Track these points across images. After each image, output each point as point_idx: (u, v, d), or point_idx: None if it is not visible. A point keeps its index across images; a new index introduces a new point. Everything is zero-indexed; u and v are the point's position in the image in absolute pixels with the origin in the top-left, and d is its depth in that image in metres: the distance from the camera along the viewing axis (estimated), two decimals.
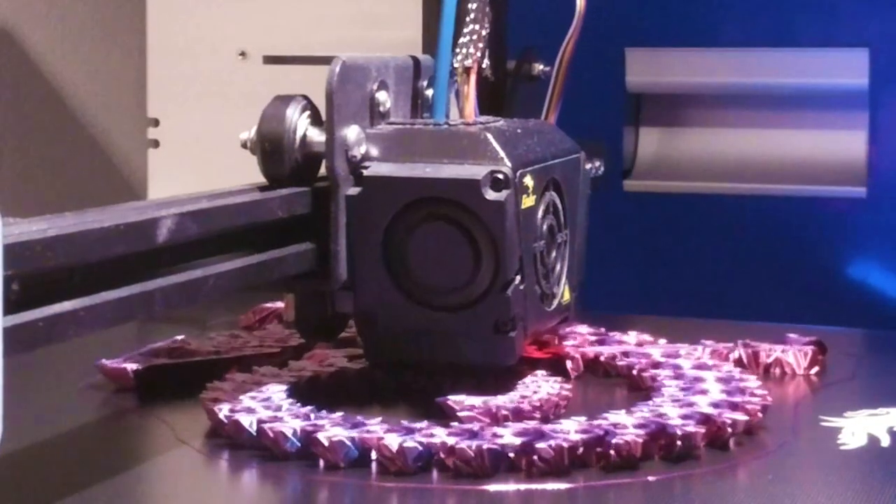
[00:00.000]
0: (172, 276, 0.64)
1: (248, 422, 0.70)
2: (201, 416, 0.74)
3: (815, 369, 0.87)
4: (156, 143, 1.33)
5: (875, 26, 1.14)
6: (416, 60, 0.81)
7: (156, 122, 1.33)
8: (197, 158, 1.32)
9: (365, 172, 0.73)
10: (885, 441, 0.72)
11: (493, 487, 0.65)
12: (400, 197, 0.73)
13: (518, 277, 0.72)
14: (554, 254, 0.78)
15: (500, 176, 0.71)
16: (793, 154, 1.19)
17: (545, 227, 0.76)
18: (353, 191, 0.73)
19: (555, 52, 0.86)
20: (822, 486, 0.68)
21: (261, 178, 0.74)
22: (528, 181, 0.73)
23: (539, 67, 0.93)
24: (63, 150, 1.41)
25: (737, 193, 1.18)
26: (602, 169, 0.95)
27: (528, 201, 0.73)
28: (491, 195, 0.71)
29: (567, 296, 0.79)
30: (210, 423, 0.73)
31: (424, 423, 0.68)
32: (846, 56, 1.15)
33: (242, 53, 1.26)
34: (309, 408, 0.71)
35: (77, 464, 0.71)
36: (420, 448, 0.66)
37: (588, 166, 0.84)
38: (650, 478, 0.67)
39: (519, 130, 0.76)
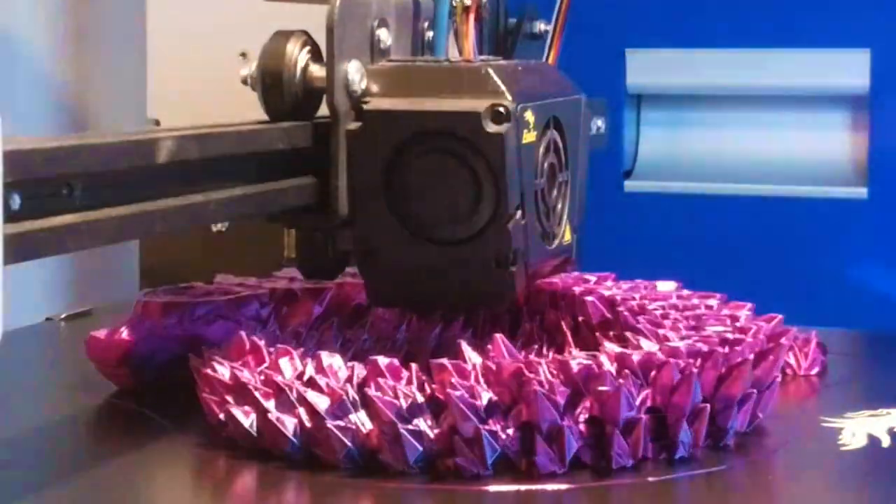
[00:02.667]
0: (173, 198, 0.64)
1: (247, 421, 0.70)
2: (201, 416, 0.74)
3: (816, 370, 0.87)
4: None
5: (876, 27, 1.14)
6: (416, 0, 0.81)
7: (156, 123, 1.33)
8: None
9: (365, 107, 0.73)
10: (886, 442, 0.72)
11: (493, 488, 0.65)
12: (401, 131, 0.73)
13: (519, 212, 0.73)
14: (555, 192, 0.78)
15: (501, 109, 0.71)
16: (793, 155, 1.19)
17: (546, 164, 0.76)
18: (354, 125, 0.73)
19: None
20: (823, 487, 0.68)
21: None
22: (529, 116, 0.73)
23: (539, 25, 0.93)
24: None
25: (737, 194, 1.18)
26: (604, 127, 0.95)
27: (528, 137, 0.73)
28: (492, 128, 0.71)
29: (568, 236, 0.80)
30: (209, 420, 0.73)
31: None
32: (847, 57, 1.15)
33: (243, 54, 1.26)
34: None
35: (76, 464, 0.71)
36: (420, 448, 0.66)
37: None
38: (650, 478, 0.67)
39: (520, 68, 0.77)
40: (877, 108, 1.14)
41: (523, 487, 0.65)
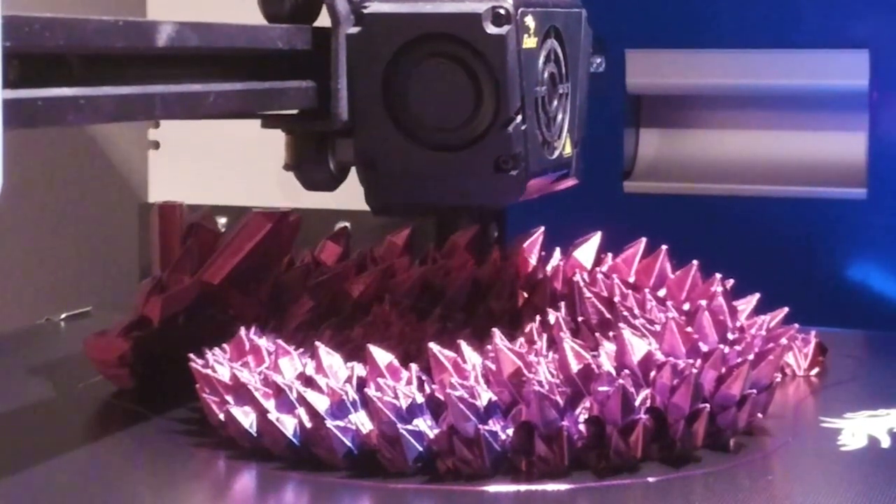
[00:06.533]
0: (173, 85, 0.65)
1: (247, 422, 0.70)
2: (200, 416, 0.74)
3: (816, 370, 0.87)
4: (156, 145, 1.33)
5: (875, 27, 1.14)
6: None
7: (156, 124, 1.33)
8: (197, 160, 1.32)
9: (365, 11, 0.74)
10: (886, 442, 0.72)
11: (492, 488, 0.65)
12: (400, 34, 0.73)
13: (519, 117, 0.73)
14: (556, 103, 0.78)
15: (502, 11, 0.72)
16: (793, 155, 1.19)
17: (546, 73, 0.76)
18: (354, 30, 0.74)
19: None
20: (822, 487, 0.68)
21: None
22: (530, 21, 0.74)
23: None
24: (63, 152, 1.41)
25: (737, 195, 1.18)
26: (603, 65, 0.95)
27: (529, 42, 0.74)
28: (492, 29, 0.72)
29: (569, 149, 0.80)
30: (209, 420, 0.73)
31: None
32: (846, 57, 1.15)
33: None
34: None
35: (75, 464, 0.71)
36: (420, 448, 0.66)
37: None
38: (650, 479, 0.67)
39: None
40: (876, 108, 1.14)
41: (523, 487, 0.65)
